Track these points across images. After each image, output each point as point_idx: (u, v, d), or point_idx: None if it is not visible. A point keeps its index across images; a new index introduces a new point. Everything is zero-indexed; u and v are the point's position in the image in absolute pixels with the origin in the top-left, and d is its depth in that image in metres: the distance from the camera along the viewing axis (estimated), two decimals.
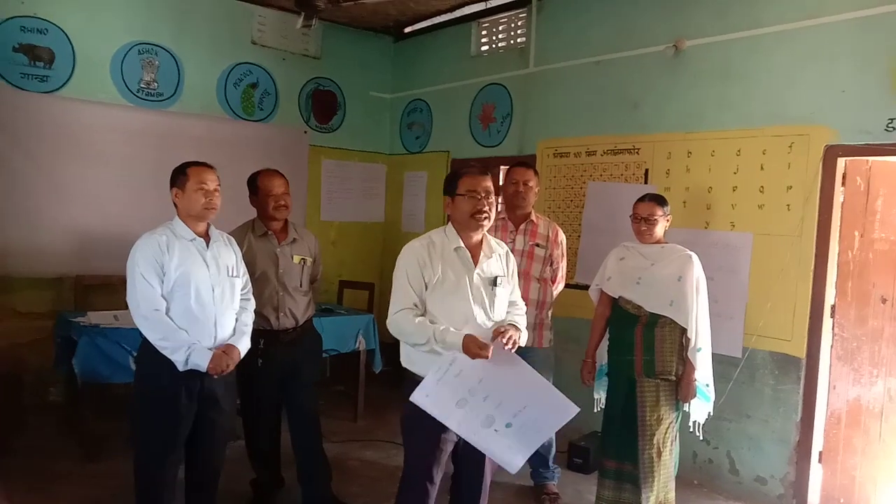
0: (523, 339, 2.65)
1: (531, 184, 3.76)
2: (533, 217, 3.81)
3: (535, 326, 3.63)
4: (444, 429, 2.55)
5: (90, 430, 4.08)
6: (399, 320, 2.57)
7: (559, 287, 3.93)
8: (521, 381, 2.58)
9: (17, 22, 4.71)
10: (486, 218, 2.60)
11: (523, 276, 3.66)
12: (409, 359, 2.67)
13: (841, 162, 3.66)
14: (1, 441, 3.87)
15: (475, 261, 2.63)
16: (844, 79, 3.61)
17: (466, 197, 2.58)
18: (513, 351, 2.54)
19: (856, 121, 3.56)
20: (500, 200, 4.33)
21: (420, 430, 2.61)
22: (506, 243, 3.73)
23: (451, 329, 2.49)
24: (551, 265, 3.81)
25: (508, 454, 2.58)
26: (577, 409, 2.61)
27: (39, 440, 4.25)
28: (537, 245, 3.75)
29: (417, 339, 2.54)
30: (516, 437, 2.57)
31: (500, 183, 4.09)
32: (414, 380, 2.59)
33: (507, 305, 2.74)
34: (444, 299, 2.56)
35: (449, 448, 2.65)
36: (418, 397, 2.50)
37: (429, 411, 2.50)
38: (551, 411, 2.61)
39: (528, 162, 4.27)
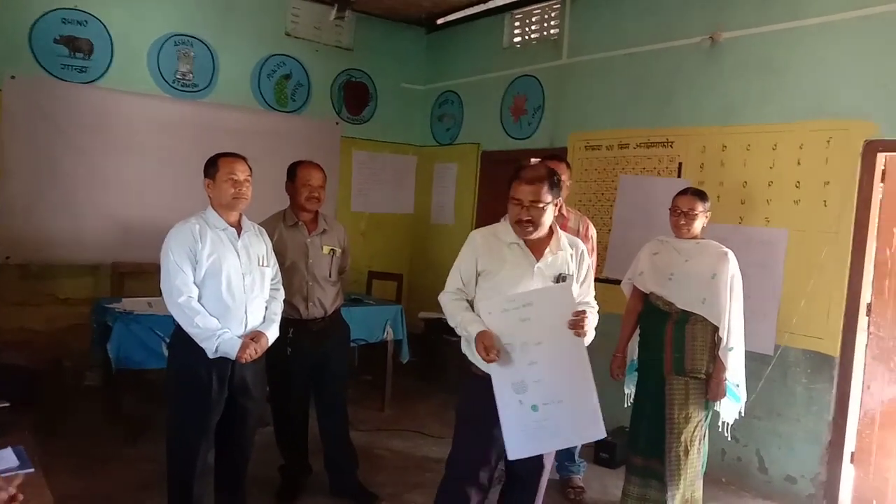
0: (588, 338, 2.55)
1: (563, 177, 3.72)
2: (563, 210, 3.78)
3: None
4: (497, 423, 2.47)
5: (127, 414, 4.18)
6: (444, 300, 2.65)
7: None
8: (573, 374, 2.46)
9: (59, 14, 4.81)
10: (528, 226, 2.51)
11: None
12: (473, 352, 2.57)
13: (881, 157, 3.58)
14: (45, 424, 3.98)
15: (538, 255, 2.56)
16: (887, 73, 3.52)
17: (512, 203, 2.53)
18: (583, 338, 2.46)
19: None
20: None
21: (471, 420, 2.59)
22: None
23: (478, 320, 2.48)
24: None
25: (517, 435, 2.44)
26: (604, 435, 2.57)
27: (80, 424, 4.36)
28: None
29: (451, 320, 2.58)
30: (533, 425, 2.44)
31: None
32: (470, 370, 2.58)
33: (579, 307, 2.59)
34: (498, 290, 2.50)
35: (500, 448, 2.54)
36: (483, 307, 2.47)
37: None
38: (580, 422, 2.49)
39: (559, 155, 4.24)
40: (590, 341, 2.59)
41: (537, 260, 2.56)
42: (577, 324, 2.43)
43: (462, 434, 2.68)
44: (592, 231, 3.84)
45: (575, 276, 2.62)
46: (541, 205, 2.50)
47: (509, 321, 2.43)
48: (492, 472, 2.65)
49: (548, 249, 2.58)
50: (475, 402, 2.55)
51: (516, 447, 2.46)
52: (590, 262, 2.73)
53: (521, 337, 2.43)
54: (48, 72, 4.80)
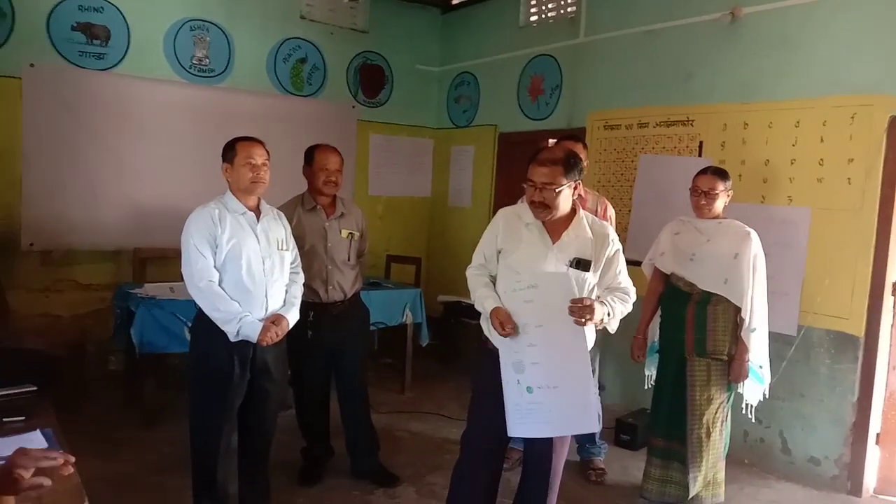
0: (612, 325, 2.52)
1: (580, 157, 3.69)
2: (581, 191, 3.72)
3: None
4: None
5: (149, 398, 4.23)
6: (468, 273, 2.70)
7: None
8: (571, 362, 2.45)
9: (76, 1, 4.82)
10: (540, 209, 2.49)
11: None
12: (488, 326, 2.60)
13: None
14: (67, 408, 4.03)
15: (555, 237, 2.54)
16: None
17: (527, 185, 2.52)
18: (586, 327, 2.40)
19: None
20: None
21: (481, 392, 2.64)
22: None
23: (493, 296, 2.52)
24: None
25: (515, 414, 2.47)
26: (598, 429, 2.57)
27: (102, 408, 4.42)
28: None
29: (472, 294, 2.63)
30: (526, 407, 2.45)
31: None
32: (488, 348, 2.59)
33: (606, 292, 2.55)
34: (513, 269, 2.51)
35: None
36: (498, 287, 2.56)
37: None
38: (573, 411, 2.47)
39: (577, 135, 4.20)
40: (614, 329, 2.58)
41: (554, 242, 2.54)
42: (575, 311, 2.37)
43: (473, 406, 2.75)
44: (611, 212, 3.80)
45: (598, 262, 2.55)
46: (554, 187, 2.47)
47: (515, 301, 2.47)
48: (502, 445, 2.67)
49: (565, 232, 2.55)
50: (485, 375, 2.58)
51: (514, 425, 2.49)
52: (617, 247, 2.62)
53: (524, 318, 2.45)
54: (66, 59, 4.82)
